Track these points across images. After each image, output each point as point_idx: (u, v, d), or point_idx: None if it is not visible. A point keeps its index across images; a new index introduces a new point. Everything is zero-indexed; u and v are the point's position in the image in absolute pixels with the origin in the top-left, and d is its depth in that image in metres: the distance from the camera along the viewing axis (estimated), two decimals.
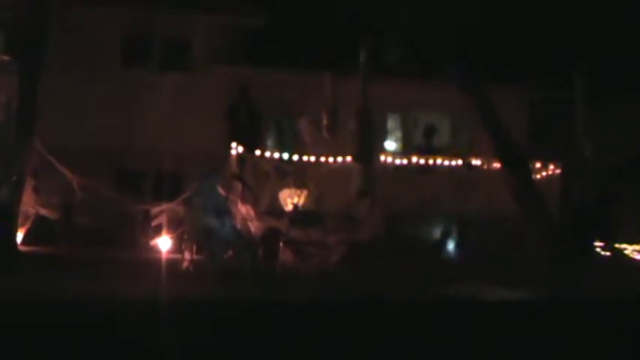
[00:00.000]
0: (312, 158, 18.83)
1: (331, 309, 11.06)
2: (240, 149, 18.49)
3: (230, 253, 15.44)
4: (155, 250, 16.28)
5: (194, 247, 15.61)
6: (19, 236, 17.40)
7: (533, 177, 18.46)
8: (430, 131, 21.87)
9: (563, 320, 10.90)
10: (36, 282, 12.35)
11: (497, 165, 18.20)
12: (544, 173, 20.05)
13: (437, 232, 19.75)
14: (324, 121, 18.60)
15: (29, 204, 17.51)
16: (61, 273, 13.57)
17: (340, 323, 10.07)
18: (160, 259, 15.31)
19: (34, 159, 17.19)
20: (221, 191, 16.07)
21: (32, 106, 17.11)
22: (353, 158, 18.27)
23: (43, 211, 17.78)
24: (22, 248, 17.28)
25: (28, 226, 17.64)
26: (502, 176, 17.62)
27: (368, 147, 17.44)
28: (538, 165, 19.86)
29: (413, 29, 18.09)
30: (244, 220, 16.74)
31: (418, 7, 17.01)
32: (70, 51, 19.70)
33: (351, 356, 8.64)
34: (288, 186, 18.02)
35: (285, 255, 15.97)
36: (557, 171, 19.86)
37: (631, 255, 19.86)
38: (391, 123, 23.04)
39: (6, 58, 18.53)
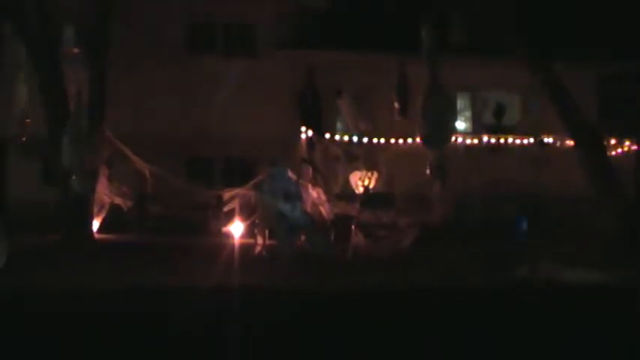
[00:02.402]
0: (382, 140, 18.72)
1: (406, 295, 11.03)
2: (310, 133, 18.45)
3: (302, 237, 15.43)
4: (228, 236, 16.38)
5: (266, 232, 15.66)
6: (95, 225, 17.67)
7: (608, 154, 18.09)
8: (500, 110, 21.57)
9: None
10: (112, 271, 12.55)
11: (570, 142, 17.89)
12: (619, 150, 19.67)
13: (509, 212, 19.45)
14: (396, 104, 18.39)
15: (103, 193, 17.76)
16: (137, 262, 13.78)
17: (416, 310, 10.02)
18: (232, 245, 15.41)
19: (106, 148, 17.42)
20: (291, 176, 16.08)
21: (103, 95, 17.38)
22: (423, 140, 18.05)
23: (117, 200, 18.00)
24: (97, 236, 17.55)
25: (103, 214, 17.89)
26: (575, 153, 17.33)
27: (440, 128, 17.23)
28: (613, 142, 19.48)
29: (482, 6, 17.86)
30: (315, 204, 16.74)
31: None
32: (137, 39, 19.84)
33: (433, 343, 8.55)
34: (358, 168, 17.90)
35: (357, 238, 15.91)
36: (634, 147, 19.41)
37: None
38: (460, 103, 22.80)
39: (75, 50, 18.81)
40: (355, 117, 18.82)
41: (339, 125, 21.10)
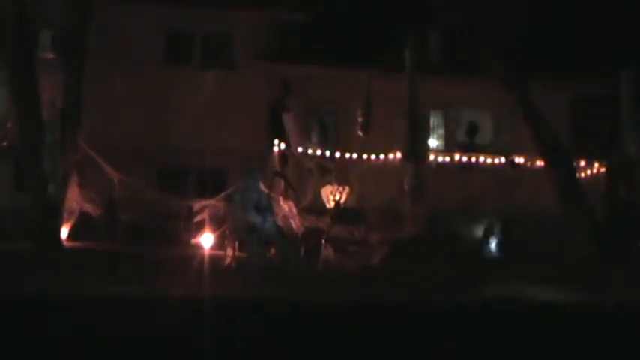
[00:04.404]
0: (355, 155, 18.78)
1: (370, 310, 11.05)
2: (283, 146, 18.48)
3: (272, 250, 15.43)
4: (197, 247, 16.34)
5: (236, 244, 15.65)
6: (64, 232, 17.59)
7: (578, 175, 18.26)
8: (473, 129, 21.72)
9: (607, 323, 10.73)
10: (80, 279, 12.47)
11: (540, 163, 18.04)
12: (588, 172, 19.83)
13: (479, 231, 19.58)
14: (359, 118, 18.54)
15: (73, 200, 17.69)
16: (104, 270, 13.69)
17: (382, 324, 10.05)
18: (202, 256, 15.36)
19: (78, 155, 17.36)
20: (263, 188, 16.08)
21: (76, 103, 17.30)
22: (403, 156, 18.11)
23: (87, 207, 17.94)
24: (66, 244, 17.45)
25: (72, 222, 17.81)
26: (545, 174, 17.48)
27: (418, 144, 17.36)
28: (582, 163, 19.64)
29: (457, 27, 18.01)
30: (286, 217, 16.75)
31: (462, 5, 16.93)
32: (114, 48, 19.83)
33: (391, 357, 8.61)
34: (330, 183, 17.96)
35: (327, 252, 15.94)
36: (602, 170, 19.58)
37: None
38: (433, 120, 22.92)
39: (51, 56, 18.75)
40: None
41: (312, 139, 21.21)
